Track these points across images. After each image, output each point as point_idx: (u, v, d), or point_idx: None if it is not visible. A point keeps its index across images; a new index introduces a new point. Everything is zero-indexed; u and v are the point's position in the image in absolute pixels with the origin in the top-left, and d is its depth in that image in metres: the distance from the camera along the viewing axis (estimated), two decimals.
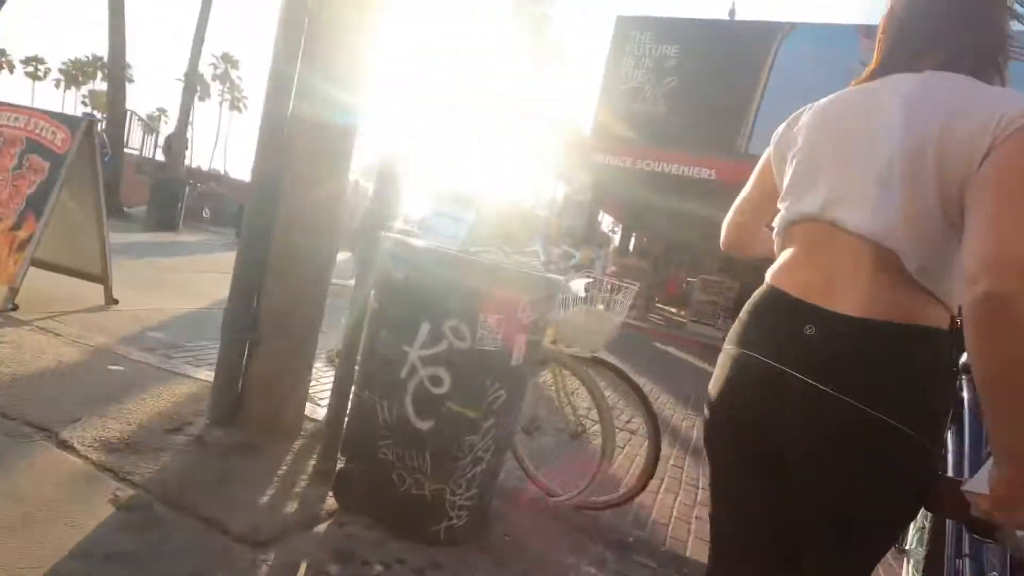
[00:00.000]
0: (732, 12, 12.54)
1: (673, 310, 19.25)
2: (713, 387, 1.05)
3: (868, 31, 10.85)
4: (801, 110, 1.04)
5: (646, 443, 2.37)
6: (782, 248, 1.01)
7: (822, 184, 0.93)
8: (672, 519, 2.61)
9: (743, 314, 1.01)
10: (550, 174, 15.09)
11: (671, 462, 3.39)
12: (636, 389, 2.31)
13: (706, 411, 1.07)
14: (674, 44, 12.37)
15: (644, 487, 2.42)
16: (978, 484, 0.79)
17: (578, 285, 1.96)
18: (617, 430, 3.62)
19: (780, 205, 1.01)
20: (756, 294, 1.01)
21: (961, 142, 0.78)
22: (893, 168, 0.84)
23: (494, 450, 1.73)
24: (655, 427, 2.30)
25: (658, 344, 9.19)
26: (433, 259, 1.64)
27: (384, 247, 1.67)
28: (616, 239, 20.01)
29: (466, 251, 1.77)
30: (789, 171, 1.00)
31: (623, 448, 3.41)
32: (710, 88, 12.00)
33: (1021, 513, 0.76)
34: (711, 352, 7.30)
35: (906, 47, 0.94)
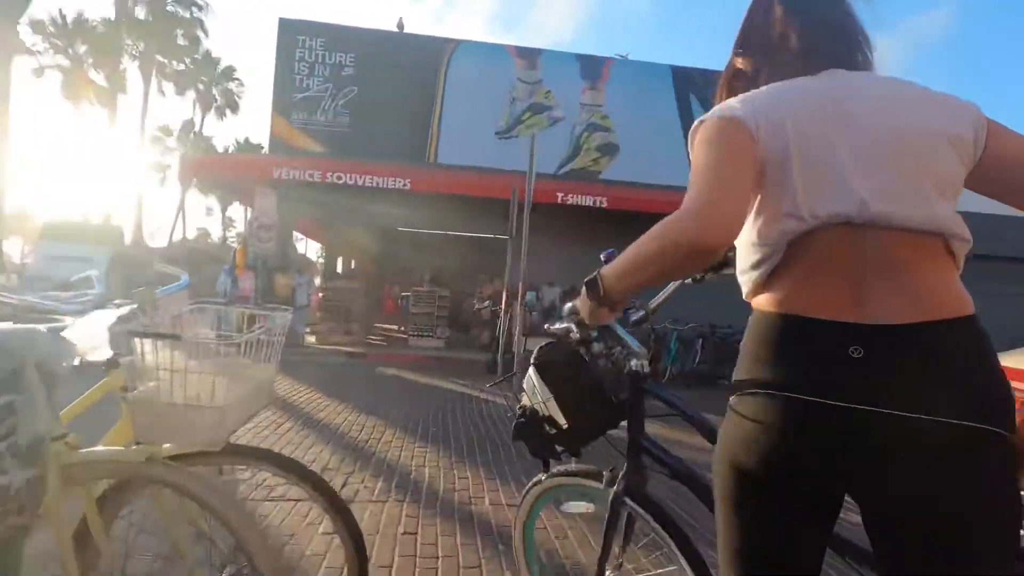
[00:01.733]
0: (401, 25, 12.65)
1: (395, 327, 18.84)
2: (751, 444, 0.83)
3: (520, 52, 12.19)
4: (752, 95, 0.91)
5: (344, 551, 1.53)
6: (780, 264, 0.87)
7: (852, 181, 0.83)
8: None
9: (755, 352, 0.86)
10: (231, 198, 12.81)
11: (399, 527, 2.61)
12: (308, 477, 1.44)
13: (742, 474, 0.84)
14: (349, 53, 11.79)
15: None
16: None
17: (87, 330, 0.98)
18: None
19: (788, 213, 0.85)
20: (764, 327, 0.86)
21: (964, 132, 0.84)
22: (924, 157, 0.83)
23: None
24: (352, 529, 1.48)
25: (380, 368, 8.40)
26: None
27: None
28: (321, 262, 18.51)
29: None
30: (794, 171, 0.85)
31: (324, 556, 2.49)
32: (392, 98, 11.81)
33: None
34: (434, 365, 6.81)
35: (833, 49, 0.94)
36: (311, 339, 11.43)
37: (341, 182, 10.35)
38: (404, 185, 10.39)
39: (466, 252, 23.40)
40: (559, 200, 10.70)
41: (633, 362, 1.33)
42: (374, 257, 21.57)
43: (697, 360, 8.98)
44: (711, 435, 1.25)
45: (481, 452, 4.01)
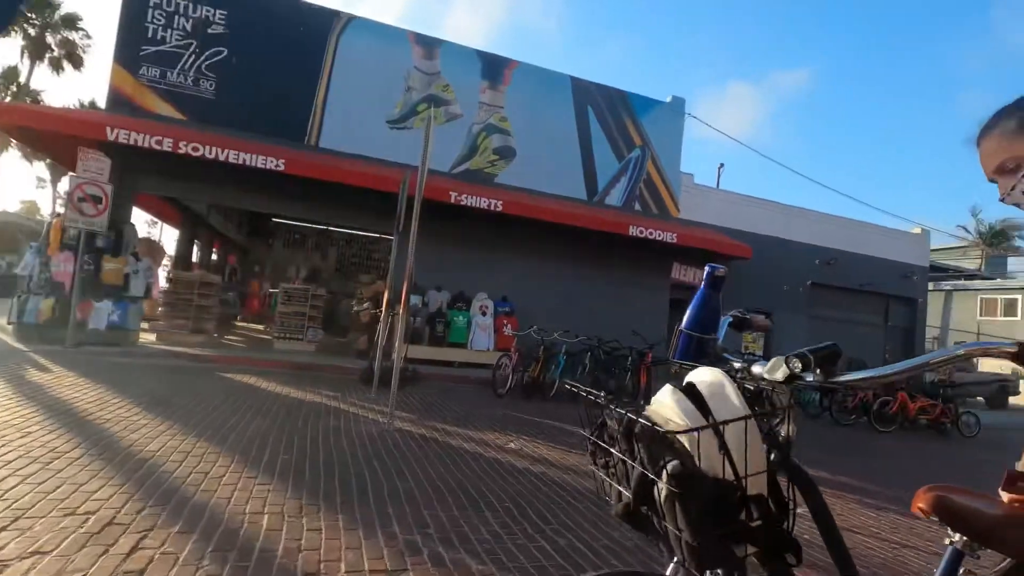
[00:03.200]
0: None
1: (261, 328, 16.89)
2: None
3: (418, 39, 11.42)
4: None
5: None
6: None
7: None
8: None
9: None
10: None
11: None
12: None
13: None
14: (219, 8, 10.20)
15: None
16: None
17: None
18: None
19: None
20: None
21: None
22: None
23: None
24: None
25: (231, 375, 7.11)
26: None
27: None
28: (172, 247, 16.07)
29: None
30: None
31: None
32: (269, 69, 10.42)
33: None
34: (300, 372, 5.71)
35: None
36: (149, 337, 9.62)
37: (199, 154, 8.83)
38: (277, 166, 9.13)
39: (348, 249, 21.89)
40: (452, 199, 10.07)
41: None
42: (241, 247, 19.31)
43: (585, 373, 8.81)
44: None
45: (343, 488, 3.22)
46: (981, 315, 23.59)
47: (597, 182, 12.45)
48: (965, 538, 0.98)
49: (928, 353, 0.84)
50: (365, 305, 10.71)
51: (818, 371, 0.88)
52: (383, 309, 7.76)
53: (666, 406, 0.88)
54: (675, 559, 0.89)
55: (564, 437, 5.53)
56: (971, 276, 26.99)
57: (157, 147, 8.65)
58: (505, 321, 10.80)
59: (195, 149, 8.80)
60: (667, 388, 0.90)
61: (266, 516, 2.68)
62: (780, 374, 0.91)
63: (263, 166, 9.04)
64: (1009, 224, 29.97)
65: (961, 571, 1.02)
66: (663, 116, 13.10)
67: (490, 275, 11.32)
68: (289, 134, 10.41)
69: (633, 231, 11.20)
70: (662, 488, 0.82)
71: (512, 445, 4.87)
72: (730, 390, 0.86)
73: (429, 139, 5.28)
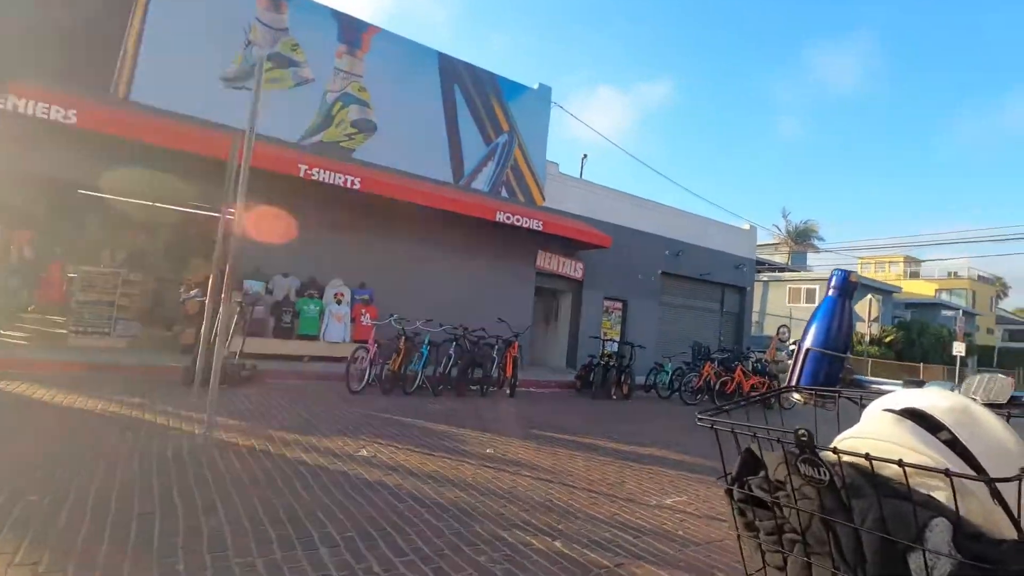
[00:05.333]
0: None
1: (61, 320, 13.93)
2: None
3: None
4: None
5: None
6: None
7: None
8: None
9: None
10: None
11: None
12: None
13: None
14: None
15: None
16: None
17: None
18: None
19: None
20: None
21: None
22: None
23: None
24: None
25: None
26: None
27: None
28: None
29: None
30: None
31: None
32: (63, 5, 8.32)
33: None
34: (101, 375, 4.29)
35: None
36: None
37: None
38: (67, 118, 7.31)
39: (183, 229, 19.02)
40: (302, 174, 8.94)
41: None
42: (37, 223, 15.76)
43: (450, 364, 8.34)
44: None
45: (116, 538, 2.36)
46: (789, 302, 27.51)
47: (464, 165, 11.99)
48: None
49: None
50: (192, 293, 9.16)
51: None
52: (207, 297, 6.55)
53: (893, 442, 0.68)
54: None
55: (425, 437, 5.01)
56: (782, 269, 31.45)
57: None
58: (363, 310, 9.93)
59: None
60: (884, 416, 0.71)
61: None
62: (1000, 395, 0.76)
63: (44, 116, 7.17)
64: (809, 226, 35.59)
65: None
66: (530, 102, 13.01)
67: (346, 260, 10.34)
68: (87, 81, 8.43)
69: (500, 217, 10.94)
70: (936, 563, 0.62)
71: (364, 453, 4.23)
72: (987, 417, 0.68)
73: (259, 90, 4.36)
